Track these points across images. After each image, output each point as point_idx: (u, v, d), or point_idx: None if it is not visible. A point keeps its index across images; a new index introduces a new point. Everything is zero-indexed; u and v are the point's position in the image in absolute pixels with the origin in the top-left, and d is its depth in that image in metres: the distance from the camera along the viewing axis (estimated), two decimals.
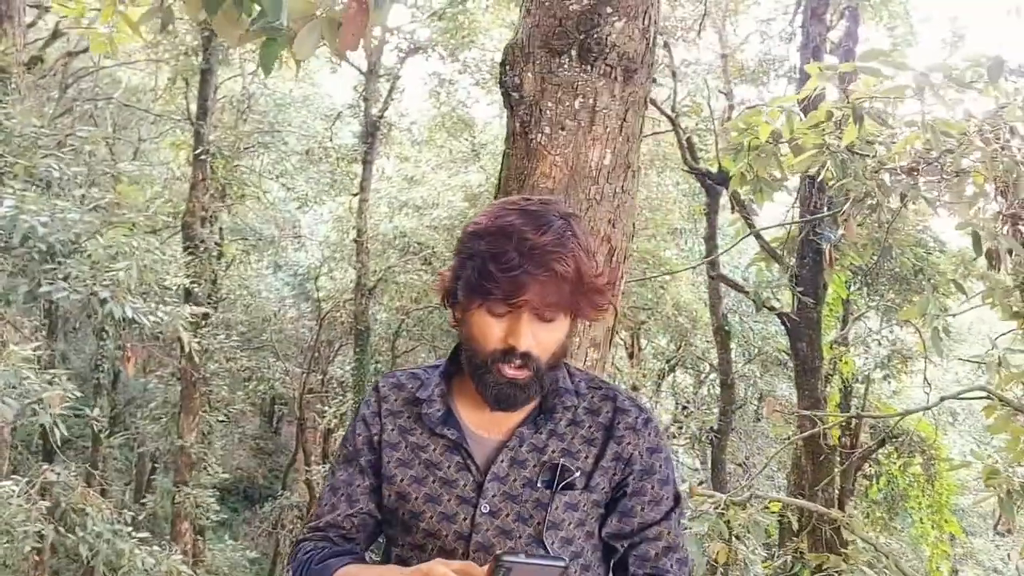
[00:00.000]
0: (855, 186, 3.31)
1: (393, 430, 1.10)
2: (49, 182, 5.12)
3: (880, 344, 8.31)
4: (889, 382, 8.75)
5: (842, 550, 3.94)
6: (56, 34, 8.84)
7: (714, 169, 7.48)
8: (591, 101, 1.47)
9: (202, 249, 9.02)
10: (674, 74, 7.94)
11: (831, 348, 7.26)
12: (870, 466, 8.01)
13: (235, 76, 10.73)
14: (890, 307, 7.24)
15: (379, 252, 11.06)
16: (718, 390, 9.49)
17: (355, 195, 10.82)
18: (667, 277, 9.45)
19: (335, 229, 12.45)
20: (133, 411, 11.04)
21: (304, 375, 12.24)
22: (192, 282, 8.21)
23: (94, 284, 4.56)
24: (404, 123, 11.50)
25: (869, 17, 7.73)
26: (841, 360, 7.50)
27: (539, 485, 1.04)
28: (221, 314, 10.65)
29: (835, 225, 5.03)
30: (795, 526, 5.22)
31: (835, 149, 3.16)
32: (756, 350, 9.92)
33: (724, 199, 7.84)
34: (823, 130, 3.22)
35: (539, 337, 0.99)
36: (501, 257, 0.95)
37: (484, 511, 1.03)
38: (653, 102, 7.68)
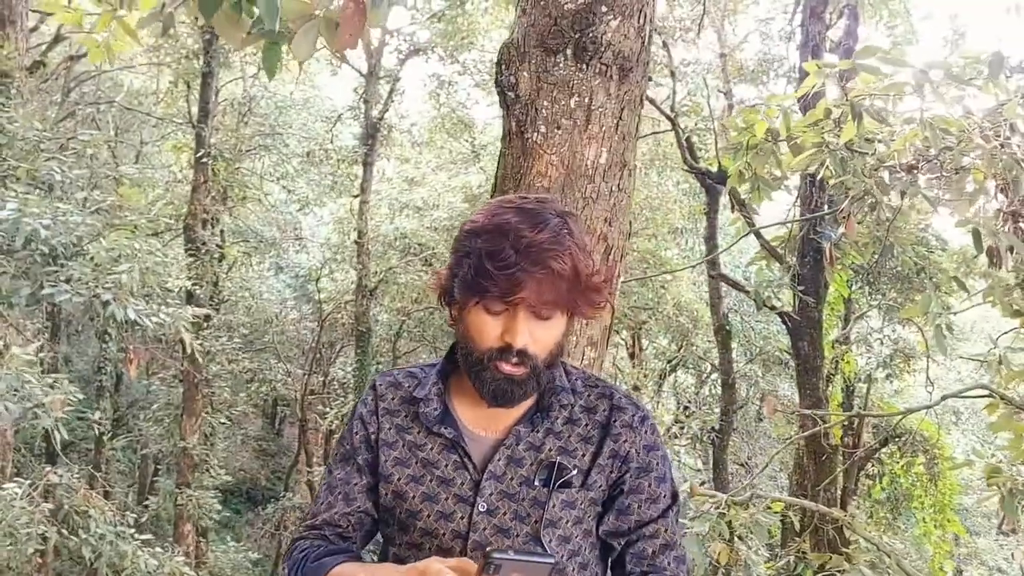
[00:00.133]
0: (854, 184, 3.30)
1: (390, 429, 1.10)
2: (51, 185, 5.14)
3: (882, 343, 8.29)
4: (891, 381, 8.74)
5: (844, 550, 3.93)
6: (58, 38, 8.88)
7: (714, 168, 7.48)
8: (587, 100, 1.47)
9: (204, 251, 9.04)
10: (673, 74, 7.95)
11: (833, 347, 7.25)
12: (873, 466, 8.00)
13: (236, 79, 10.76)
14: (892, 306, 7.22)
15: (380, 253, 11.08)
16: (719, 390, 9.48)
17: (356, 197, 10.84)
18: (668, 277, 9.44)
19: (336, 231, 12.47)
20: (136, 413, 11.06)
21: (306, 376, 12.25)
22: (194, 284, 8.23)
23: (96, 286, 4.57)
24: (404, 125, 11.53)
25: (869, 16, 7.72)
26: (843, 359, 7.49)
27: (536, 483, 1.04)
28: (223, 316, 10.67)
29: (835, 224, 5.03)
30: (797, 526, 5.21)
31: (834, 147, 3.16)
32: (757, 350, 9.91)
33: (724, 198, 7.84)
34: (822, 128, 3.22)
35: (536, 335, 0.99)
36: (498, 255, 0.95)
37: (481, 510, 1.03)
38: (652, 102, 7.70)
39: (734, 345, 9.20)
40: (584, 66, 1.45)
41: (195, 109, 9.44)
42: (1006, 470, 3.27)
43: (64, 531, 5.26)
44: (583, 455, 1.06)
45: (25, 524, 4.84)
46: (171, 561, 5.42)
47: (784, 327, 6.62)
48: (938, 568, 7.16)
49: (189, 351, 7.81)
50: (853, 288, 7.41)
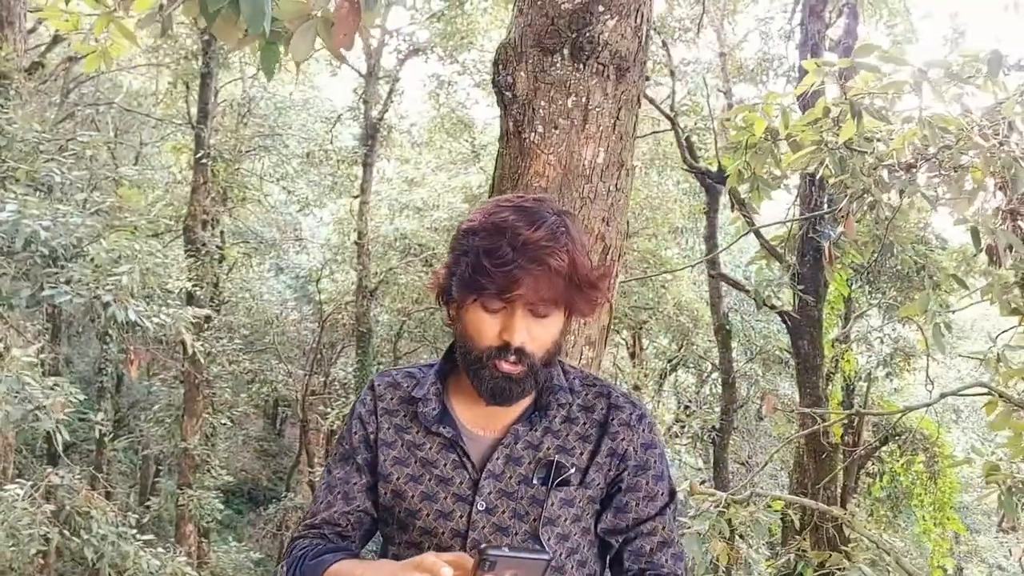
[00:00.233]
0: (854, 183, 3.31)
1: (389, 428, 1.10)
2: (51, 186, 5.15)
3: (882, 342, 8.30)
4: (891, 380, 8.74)
5: (844, 548, 3.93)
6: (56, 39, 8.88)
7: (714, 168, 7.48)
8: (584, 100, 1.47)
9: (204, 252, 9.05)
10: (673, 73, 7.95)
11: (833, 346, 7.26)
12: (873, 464, 8.00)
13: (235, 80, 10.77)
14: (892, 304, 7.22)
15: (380, 254, 11.09)
16: (720, 389, 9.49)
17: (356, 197, 10.85)
18: (668, 276, 9.45)
19: (336, 231, 12.48)
20: (137, 414, 11.07)
21: (307, 377, 12.26)
22: (194, 285, 8.24)
23: (97, 288, 4.58)
24: (404, 125, 11.54)
25: (869, 14, 7.72)
26: (843, 358, 7.49)
27: (535, 482, 1.04)
28: (223, 317, 10.68)
29: (835, 223, 5.03)
30: (797, 525, 5.21)
31: (833, 146, 3.16)
32: (757, 349, 9.91)
33: (724, 198, 7.84)
34: (821, 127, 3.22)
35: (533, 332, 0.99)
36: (495, 252, 0.95)
37: (480, 508, 1.04)
38: (652, 101, 7.70)
39: (734, 344, 9.21)
40: (581, 66, 1.46)
41: (194, 110, 9.45)
42: (1005, 468, 3.27)
43: (66, 532, 5.27)
44: (581, 453, 1.06)
45: (27, 525, 4.85)
46: (173, 561, 5.43)
47: (784, 326, 6.62)
48: (938, 566, 7.17)
49: (190, 352, 7.82)
50: (853, 287, 7.41)
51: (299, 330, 13.00)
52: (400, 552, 1.07)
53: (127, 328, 5.13)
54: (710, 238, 8.13)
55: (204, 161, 9.03)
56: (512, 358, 0.99)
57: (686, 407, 11.07)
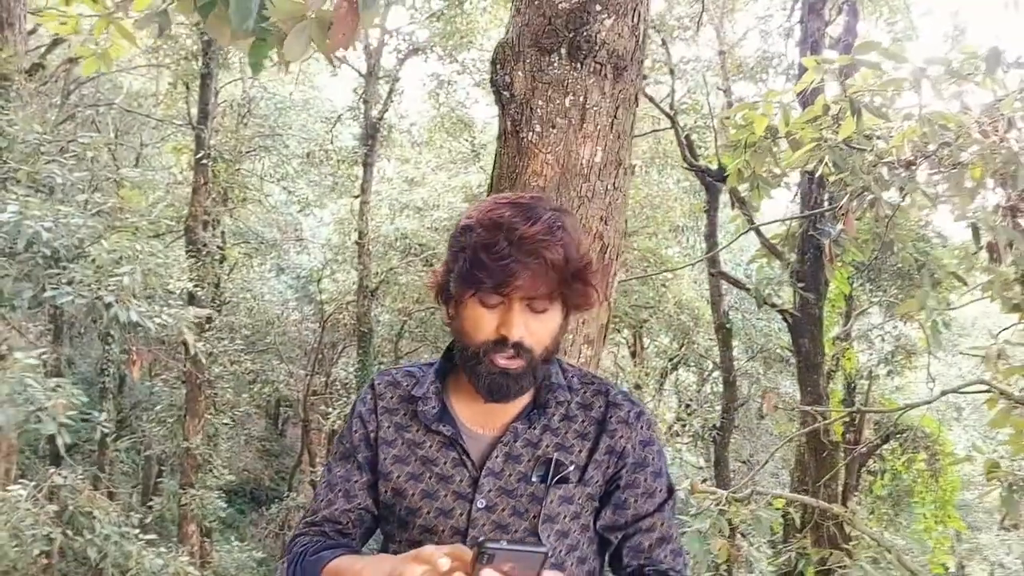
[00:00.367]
0: (853, 181, 3.30)
1: (389, 427, 1.11)
2: (52, 188, 5.15)
3: (883, 339, 8.29)
4: (893, 377, 8.73)
5: (845, 546, 3.93)
6: (57, 41, 8.89)
7: (714, 166, 7.48)
8: (581, 99, 1.48)
9: (204, 253, 9.06)
10: (672, 72, 7.95)
11: (834, 344, 7.26)
12: (874, 462, 8.00)
13: (235, 80, 10.77)
14: (893, 302, 7.21)
15: (381, 254, 11.10)
16: (721, 387, 9.48)
17: (356, 197, 10.86)
18: (669, 275, 9.45)
19: (337, 231, 12.49)
20: (139, 414, 11.09)
21: (308, 377, 12.28)
22: (195, 286, 8.25)
23: (99, 288, 4.59)
24: (404, 125, 11.54)
25: (869, 12, 7.71)
26: (844, 356, 7.49)
27: (534, 479, 1.05)
28: (225, 317, 10.70)
29: (835, 220, 5.02)
30: (798, 523, 5.21)
31: (833, 143, 3.16)
32: (758, 347, 9.91)
33: (725, 196, 7.84)
34: (820, 125, 3.22)
35: (531, 327, 1.00)
36: (492, 246, 0.96)
37: (480, 506, 1.04)
38: (652, 100, 7.70)
39: (735, 343, 9.21)
40: (579, 65, 1.46)
41: (195, 110, 9.46)
42: (1006, 465, 3.27)
43: (69, 532, 5.29)
44: (580, 451, 1.07)
45: (30, 525, 4.87)
46: (176, 561, 5.45)
47: (785, 324, 6.62)
48: (939, 564, 7.17)
49: (192, 352, 7.83)
50: (854, 285, 7.41)
51: (300, 330, 13.02)
52: (400, 550, 1.08)
53: (129, 329, 5.14)
54: (710, 236, 8.13)
55: (205, 162, 9.04)
56: (510, 352, 0.99)
57: (687, 406, 11.07)
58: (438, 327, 10.95)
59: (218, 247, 9.82)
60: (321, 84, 12.86)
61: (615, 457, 1.07)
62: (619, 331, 10.53)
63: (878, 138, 3.42)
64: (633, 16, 1.48)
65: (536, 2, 1.49)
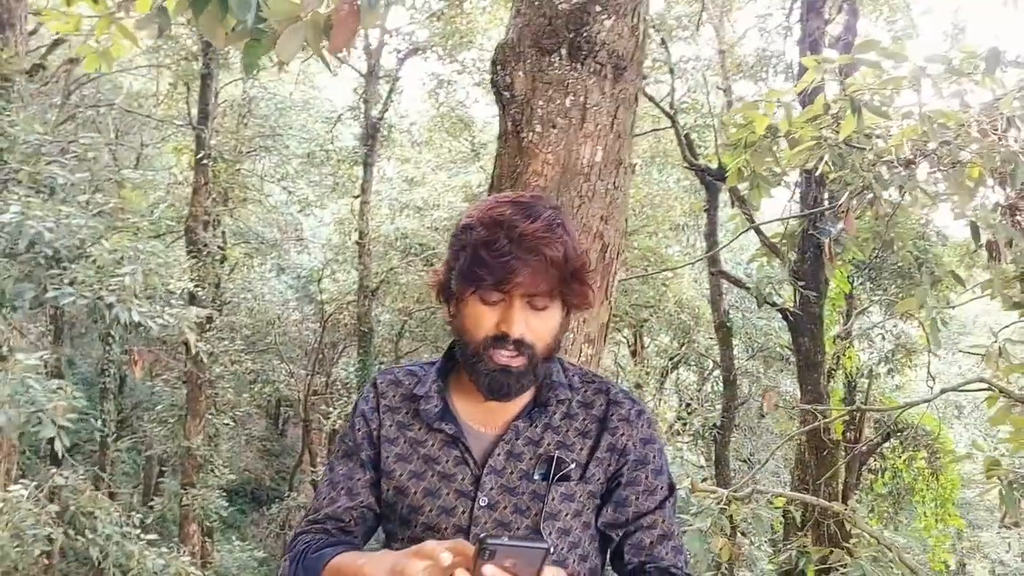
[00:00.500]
0: (853, 179, 3.31)
1: (391, 426, 1.11)
2: (53, 188, 5.15)
3: (884, 338, 8.30)
4: (893, 376, 8.74)
5: (846, 544, 3.94)
6: (58, 41, 8.90)
7: (714, 165, 7.48)
8: (582, 99, 1.48)
9: (205, 253, 9.07)
10: (672, 71, 7.95)
11: (834, 343, 7.26)
12: (875, 460, 8.01)
13: (236, 80, 10.77)
14: (893, 301, 7.21)
15: (381, 254, 11.11)
16: (721, 387, 9.49)
17: (356, 197, 10.86)
18: (669, 274, 9.45)
19: (337, 231, 12.50)
20: (140, 414, 11.10)
21: (309, 377, 12.29)
22: (196, 286, 8.26)
23: (100, 289, 4.59)
24: (404, 124, 11.54)
25: (869, 11, 7.71)
26: (844, 355, 7.49)
27: (535, 477, 1.05)
28: (225, 317, 10.70)
29: (835, 219, 5.03)
30: (799, 521, 5.22)
31: (832, 142, 3.17)
32: (759, 346, 9.91)
33: (725, 195, 7.84)
34: (820, 124, 3.22)
35: (532, 325, 1.01)
36: (492, 244, 0.97)
37: (482, 504, 1.05)
38: (651, 99, 7.70)
39: (735, 342, 9.21)
40: (579, 65, 1.47)
41: (195, 111, 9.47)
42: (1006, 463, 3.28)
43: (70, 532, 5.29)
44: (581, 449, 1.07)
45: (32, 526, 4.87)
46: (177, 561, 5.45)
47: (785, 323, 6.63)
48: (939, 562, 7.17)
49: (193, 352, 7.84)
50: (854, 283, 7.41)
51: (301, 330, 13.03)
52: (402, 548, 1.07)
53: (130, 329, 5.15)
54: (710, 235, 8.13)
55: (205, 162, 9.04)
56: (511, 349, 1.00)
57: (687, 405, 11.08)
58: (438, 327, 10.95)
59: (219, 247, 9.82)
60: (321, 84, 12.86)
61: (616, 455, 1.08)
62: (619, 330, 10.53)
63: (878, 137, 3.42)
64: (633, 16, 1.49)
65: (536, 3, 1.50)
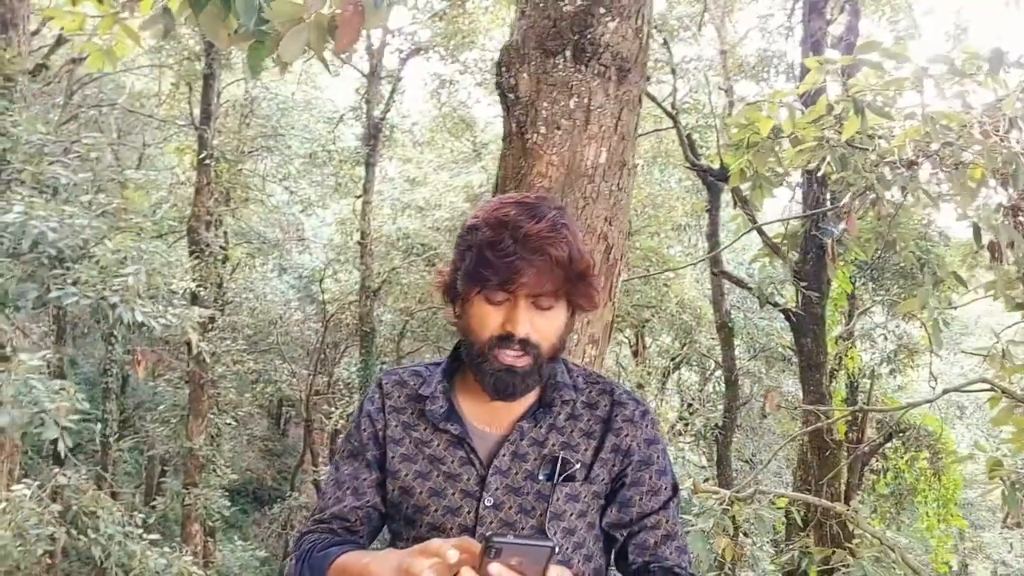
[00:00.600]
0: (856, 180, 3.31)
1: (397, 426, 1.12)
2: (56, 188, 5.16)
3: (886, 338, 8.29)
4: (895, 376, 8.73)
5: (848, 544, 3.94)
6: (60, 41, 8.91)
7: (715, 165, 7.48)
8: (586, 101, 1.49)
9: (207, 253, 9.08)
10: (674, 71, 7.95)
11: (836, 343, 7.26)
12: (877, 460, 8.00)
13: (238, 80, 10.79)
14: (895, 301, 7.21)
15: (383, 254, 11.12)
16: (723, 387, 9.48)
17: (358, 197, 10.88)
18: (671, 274, 9.45)
19: (339, 231, 12.51)
20: (142, 414, 11.12)
21: (310, 377, 12.30)
22: (198, 286, 8.27)
23: (104, 289, 4.60)
24: (406, 124, 11.55)
25: (871, 11, 7.71)
26: (847, 355, 7.49)
27: (540, 478, 1.06)
28: (227, 317, 10.72)
29: (838, 220, 5.03)
30: (801, 522, 5.22)
31: (835, 143, 3.17)
32: (760, 346, 9.91)
33: (727, 195, 7.84)
34: (822, 124, 3.22)
35: (536, 325, 1.01)
36: (498, 244, 0.98)
37: (487, 504, 1.05)
38: (653, 99, 7.70)
39: (737, 342, 9.21)
40: (583, 67, 1.47)
41: (197, 111, 9.48)
42: (1009, 464, 3.28)
43: (73, 532, 5.30)
44: (585, 449, 1.08)
45: (35, 525, 4.88)
46: (179, 561, 5.46)
47: (787, 323, 6.63)
48: (942, 562, 7.17)
49: (195, 352, 7.86)
50: (856, 284, 7.41)
51: (303, 330, 13.04)
52: (407, 548, 1.09)
53: (133, 329, 5.16)
54: (712, 236, 8.13)
55: (207, 162, 9.06)
56: (516, 348, 1.01)
57: (689, 405, 11.07)
58: (440, 327, 10.96)
59: (221, 247, 9.83)
60: (323, 84, 12.88)
61: (620, 455, 1.08)
62: (621, 330, 10.53)
63: (880, 138, 3.42)
64: (637, 19, 1.49)
65: (541, 5, 1.50)
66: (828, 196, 5.66)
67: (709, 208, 8.15)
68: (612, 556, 1.13)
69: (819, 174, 4.01)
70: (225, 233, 10.56)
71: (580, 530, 1.07)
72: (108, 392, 9.86)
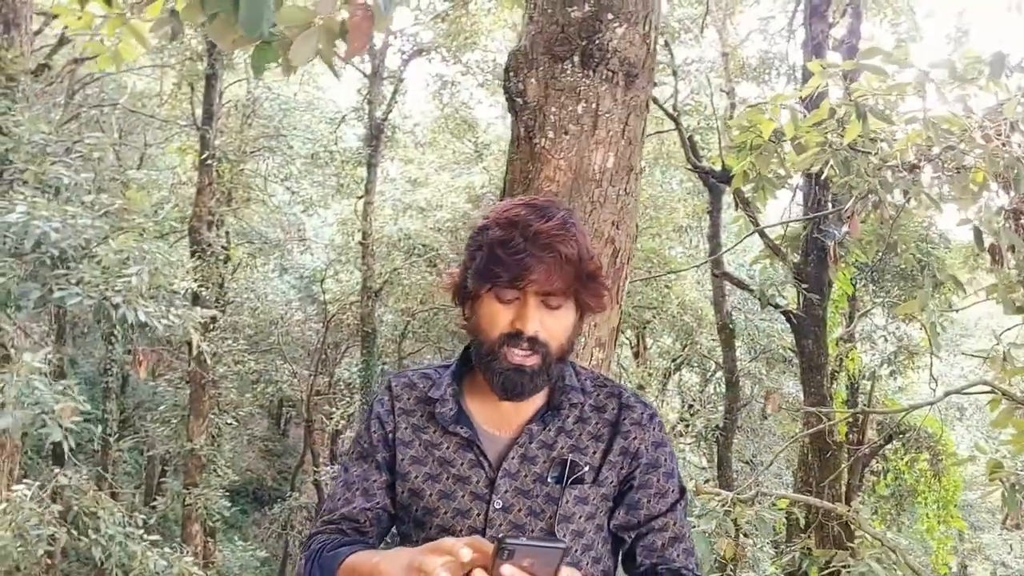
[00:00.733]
0: (858, 183, 3.32)
1: (407, 428, 1.13)
2: (58, 188, 5.17)
3: (886, 340, 8.30)
4: (895, 378, 8.74)
5: (849, 545, 3.95)
6: (62, 41, 8.91)
7: (717, 167, 7.48)
8: (594, 106, 1.50)
9: (209, 253, 9.08)
10: (676, 73, 7.96)
11: (837, 345, 7.27)
12: (877, 462, 8.01)
13: (240, 81, 10.79)
14: (896, 303, 7.22)
15: (384, 254, 11.12)
16: (724, 388, 9.49)
17: (360, 198, 10.89)
18: (672, 276, 9.46)
19: (340, 232, 12.51)
20: (143, 414, 11.12)
21: (311, 377, 12.30)
22: (200, 286, 8.27)
23: (106, 289, 4.61)
24: (408, 125, 11.56)
25: (873, 14, 7.72)
26: (847, 357, 7.50)
27: (549, 480, 1.07)
28: (229, 317, 10.73)
29: (839, 222, 5.04)
30: (802, 523, 5.23)
31: (837, 147, 3.18)
32: (761, 348, 9.92)
33: (728, 196, 7.85)
34: (825, 128, 3.24)
35: (546, 323, 1.02)
36: (508, 242, 0.99)
37: (497, 507, 1.06)
38: (655, 101, 7.70)
39: (738, 343, 9.22)
40: (591, 72, 1.48)
41: (199, 111, 9.49)
42: (1009, 465, 3.28)
43: (73, 532, 5.30)
44: (594, 452, 1.09)
45: (35, 525, 4.88)
46: (180, 561, 5.46)
47: (788, 325, 6.63)
48: (942, 564, 7.18)
49: (196, 352, 7.86)
50: (857, 286, 7.42)
51: (304, 330, 13.04)
52: None
53: (134, 329, 5.16)
54: (713, 237, 8.14)
55: (209, 162, 9.06)
56: (525, 347, 1.01)
57: (690, 406, 11.08)
58: (441, 328, 10.97)
59: (222, 247, 9.84)
60: (325, 85, 12.88)
61: (629, 458, 1.09)
62: (622, 332, 10.52)
63: (882, 141, 3.43)
64: (644, 25, 1.50)
65: (549, 11, 1.51)
66: (829, 198, 5.67)
67: (710, 210, 8.16)
68: (620, 558, 1.14)
69: (822, 177, 4.02)
70: (227, 233, 10.57)
71: (589, 532, 1.08)
72: (108, 392, 9.87)
